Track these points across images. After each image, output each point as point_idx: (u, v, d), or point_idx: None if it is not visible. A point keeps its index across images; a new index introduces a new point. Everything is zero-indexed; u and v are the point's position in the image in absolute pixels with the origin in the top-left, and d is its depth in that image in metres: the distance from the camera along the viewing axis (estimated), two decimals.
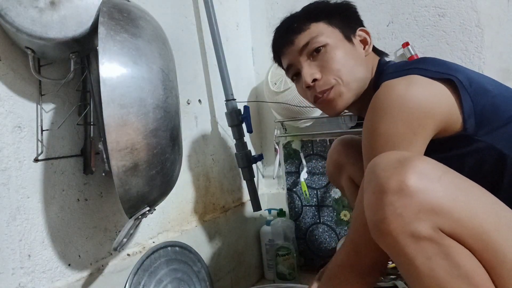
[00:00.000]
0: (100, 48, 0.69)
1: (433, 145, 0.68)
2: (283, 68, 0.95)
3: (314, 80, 0.83)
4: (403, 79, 0.69)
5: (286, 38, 0.88)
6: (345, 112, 0.96)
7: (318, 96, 0.84)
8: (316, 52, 0.84)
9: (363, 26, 0.89)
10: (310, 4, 0.90)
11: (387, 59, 0.89)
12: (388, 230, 0.55)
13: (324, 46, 0.83)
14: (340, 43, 0.84)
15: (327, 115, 0.89)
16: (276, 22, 0.95)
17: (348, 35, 0.86)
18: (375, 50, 0.90)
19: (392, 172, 0.56)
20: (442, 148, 0.69)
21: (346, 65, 0.82)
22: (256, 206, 1.32)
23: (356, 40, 0.86)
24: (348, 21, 0.87)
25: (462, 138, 0.68)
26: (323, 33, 0.84)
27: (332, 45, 0.83)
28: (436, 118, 0.66)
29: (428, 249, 0.55)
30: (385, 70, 0.82)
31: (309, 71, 0.84)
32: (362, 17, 0.92)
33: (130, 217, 0.78)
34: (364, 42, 0.87)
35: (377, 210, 0.57)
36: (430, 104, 0.66)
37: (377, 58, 0.88)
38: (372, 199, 0.58)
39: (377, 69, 0.85)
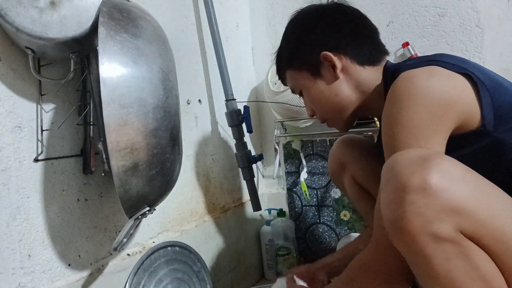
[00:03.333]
0: (100, 48, 0.69)
1: (450, 142, 0.66)
2: None
3: (312, 115, 0.93)
4: (424, 69, 0.68)
5: (280, 80, 0.96)
6: None
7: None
8: (301, 95, 0.91)
9: (329, 48, 0.82)
10: (280, 46, 0.92)
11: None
12: (408, 229, 0.54)
13: (301, 90, 0.90)
14: (310, 84, 0.86)
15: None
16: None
17: (315, 70, 0.85)
18: (368, 59, 0.84)
19: (414, 169, 0.54)
20: (459, 145, 0.67)
21: (323, 103, 0.86)
22: (256, 206, 1.32)
23: (325, 68, 0.84)
24: (309, 55, 0.84)
25: (480, 135, 0.66)
26: (295, 79, 0.89)
27: (306, 88, 0.88)
28: (458, 110, 0.65)
29: (448, 250, 0.53)
30: (399, 67, 0.78)
31: (306, 108, 0.94)
32: None
33: (130, 217, 0.78)
34: (332, 66, 0.83)
35: (397, 208, 0.55)
36: (453, 95, 0.65)
37: (363, 68, 0.83)
38: (391, 196, 0.56)
39: (384, 74, 0.83)
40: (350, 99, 0.84)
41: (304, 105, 1.34)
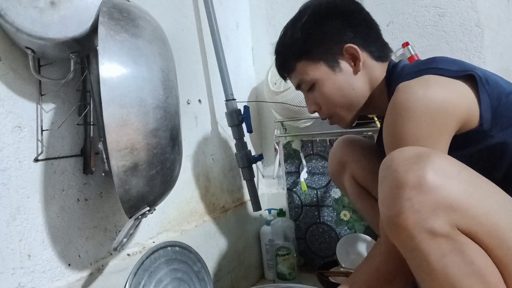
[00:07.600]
0: (100, 48, 0.69)
1: (450, 142, 0.68)
2: None
3: (315, 111, 0.90)
4: (420, 79, 0.68)
5: (281, 74, 0.94)
6: None
7: (324, 118, 0.91)
8: (310, 89, 0.88)
9: (349, 40, 0.83)
10: (289, 36, 0.88)
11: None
12: (404, 225, 0.55)
13: (314, 83, 0.86)
14: (326, 77, 0.84)
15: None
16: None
17: (333, 63, 0.84)
18: (378, 55, 0.86)
19: (410, 167, 0.56)
20: (457, 145, 0.68)
21: (337, 97, 0.84)
22: (256, 206, 1.32)
23: (345, 61, 0.83)
24: (329, 46, 0.84)
25: (477, 134, 0.67)
26: (308, 71, 0.85)
27: (320, 81, 0.85)
28: (458, 116, 0.66)
29: (444, 246, 0.54)
30: (399, 72, 0.81)
31: (309, 103, 0.90)
32: None
33: (130, 217, 0.78)
34: (354, 58, 0.83)
35: (394, 204, 0.56)
36: (451, 102, 0.66)
37: (377, 64, 0.85)
38: (388, 193, 0.58)
39: (388, 72, 0.84)
40: (363, 93, 0.85)
41: (304, 104, 1.35)
